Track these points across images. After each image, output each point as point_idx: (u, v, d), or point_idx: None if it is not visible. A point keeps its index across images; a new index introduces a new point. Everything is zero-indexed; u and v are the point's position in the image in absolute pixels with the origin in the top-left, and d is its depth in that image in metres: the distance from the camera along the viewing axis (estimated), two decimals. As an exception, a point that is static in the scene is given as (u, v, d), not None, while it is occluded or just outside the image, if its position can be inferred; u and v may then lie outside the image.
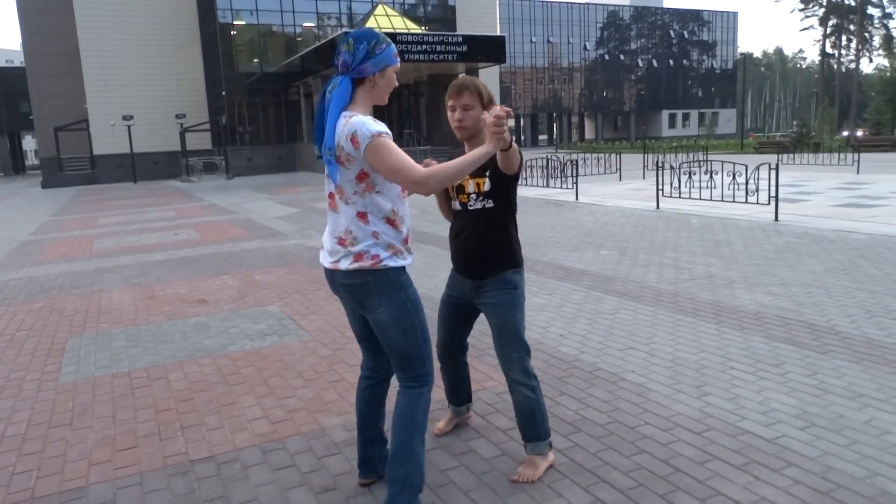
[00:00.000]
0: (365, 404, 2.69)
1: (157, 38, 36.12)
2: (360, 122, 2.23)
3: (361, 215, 2.31)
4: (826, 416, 3.16)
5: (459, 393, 3.18)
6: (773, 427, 3.07)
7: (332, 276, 2.42)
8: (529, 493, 2.63)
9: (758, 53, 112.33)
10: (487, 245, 2.69)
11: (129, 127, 33.44)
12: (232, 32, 34.92)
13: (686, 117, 79.66)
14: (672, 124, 78.20)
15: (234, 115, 34.94)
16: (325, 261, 2.44)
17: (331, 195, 2.40)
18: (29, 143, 73.08)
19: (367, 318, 2.45)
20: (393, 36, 26.25)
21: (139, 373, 4.33)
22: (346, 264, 2.33)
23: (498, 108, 2.26)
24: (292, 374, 4.15)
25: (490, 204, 2.68)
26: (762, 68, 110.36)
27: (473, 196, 2.69)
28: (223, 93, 34.34)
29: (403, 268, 2.39)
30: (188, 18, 37.22)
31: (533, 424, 2.75)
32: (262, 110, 36.11)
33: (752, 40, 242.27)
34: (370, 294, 2.36)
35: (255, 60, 35.98)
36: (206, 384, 4.05)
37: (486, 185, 2.66)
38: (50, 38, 39.33)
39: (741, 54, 50.73)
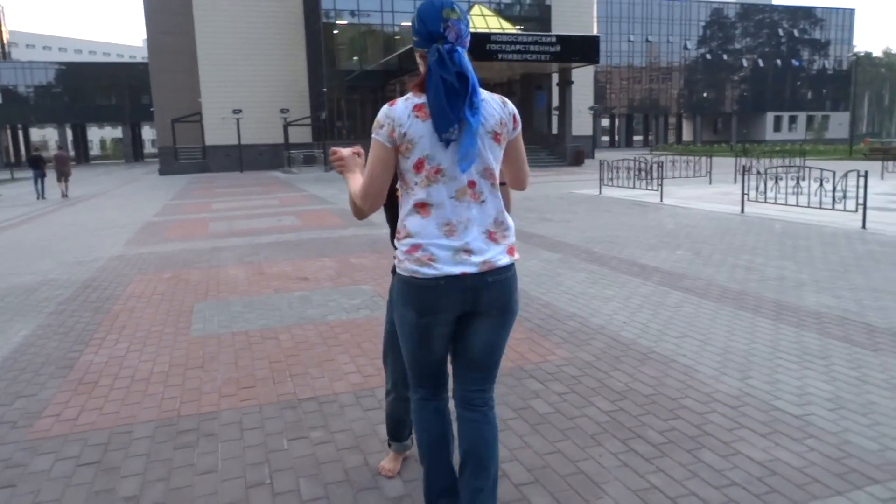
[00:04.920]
0: (444, 427, 2.36)
1: (266, 38, 38.28)
2: (511, 104, 2.17)
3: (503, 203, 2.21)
4: (858, 402, 3.47)
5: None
6: (803, 407, 3.42)
7: (480, 280, 2.10)
8: (574, 440, 3.13)
9: (877, 53, 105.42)
10: None
11: (237, 120, 35.74)
12: (334, 31, 36.53)
13: (793, 120, 76.20)
14: (777, 127, 75.03)
15: (333, 111, 36.57)
16: (472, 265, 2.08)
17: (472, 183, 2.09)
18: (147, 132, 78.64)
19: (456, 329, 2.22)
20: (487, 36, 26.84)
21: (254, 333, 5.10)
22: (504, 260, 2.14)
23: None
24: (381, 341, 4.77)
25: None
26: (882, 69, 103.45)
27: None
28: (324, 89, 35.98)
29: None
30: (294, 19, 39.22)
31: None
32: (360, 106, 37.54)
33: (871, 39, 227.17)
34: (515, 289, 2.20)
35: (355, 58, 37.47)
36: (310, 344, 4.75)
37: None
38: (171, 36, 42.53)
39: (855, 54, 48.03)
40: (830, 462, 2.85)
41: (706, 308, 5.39)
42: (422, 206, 2.08)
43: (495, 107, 2.10)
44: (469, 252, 2.06)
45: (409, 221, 2.10)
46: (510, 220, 2.19)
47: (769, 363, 4.07)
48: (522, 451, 3.03)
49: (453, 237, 2.06)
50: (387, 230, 2.48)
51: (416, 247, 2.08)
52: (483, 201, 2.09)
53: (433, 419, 2.33)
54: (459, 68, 1.97)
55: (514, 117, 2.15)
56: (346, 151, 2.37)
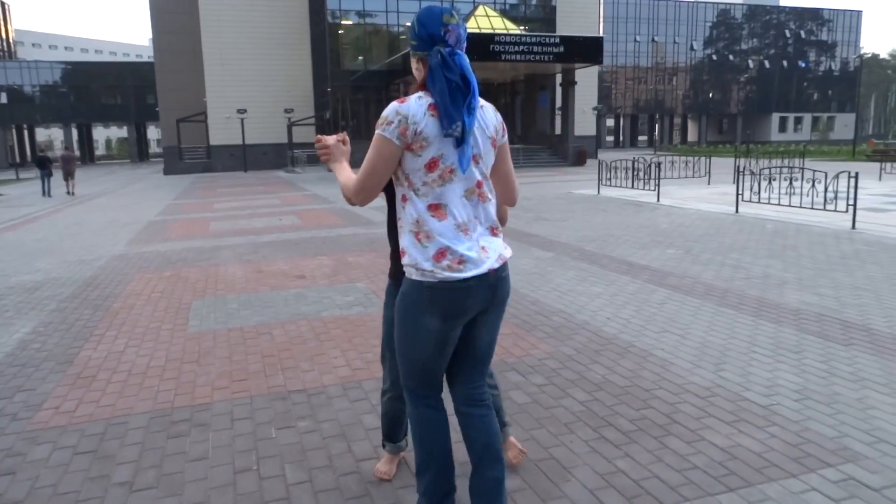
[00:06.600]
0: (448, 433, 2.38)
1: (270, 37, 38.45)
2: (499, 114, 2.27)
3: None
4: (823, 393, 3.61)
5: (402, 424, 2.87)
6: (770, 398, 3.56)
7: (498, 274, 2.19)
8: (548, 428, 3.28)
9: (884, 54, 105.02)
10: None
11: (242, 120, 35.97)
12: (339, 31, 36.72)
13: (798, 121, 76.10)
14: (783, 128, 74.94)
15: (337, 111, 36.73)
16: (491, 262, 2.16)
17: (480, 183, 2.17)
18: (152, 132, 79.07)
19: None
20: (491, 37, 26.97)
21: (249, 329, 5.26)
22: (508, 251, 2.27)
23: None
24: (372, 335, 4.94)
25: None
26: (889, 70, 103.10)
27: None
28: (328, 89, 36.16)
29: None
30: (299, 18, 39.41)
31: (499, 416, 2.81)
32: (364, 106, 37.70)
33: (879, 41, 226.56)
34: (509, 283, 2.29)
35: (360, 58, 37.64)
36: (302, 339, 4.91)
37: None
38: (176, 36, 42.78)
39: (861, 55, 48.01)
40: (789, 448, 2.99)
41: (689, 305, 5.53)
42: (436, 208, 2.09)
43: (490, 114, 2.19)
44: (485, 249, 2.14)
45: (430, 225, 2.09)
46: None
47: (744, 357, 4.21)
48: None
49: (468, 236, 2.11)
50: (383, 230, 2.48)
51: (442, 253, 2.07)
52: (488, 199, 2.18)
53: (442, 426, 2.33)
54: (461, 70, 2.03)
55: (504, 126, 2.26)
56: (330, 139, 2.36)
